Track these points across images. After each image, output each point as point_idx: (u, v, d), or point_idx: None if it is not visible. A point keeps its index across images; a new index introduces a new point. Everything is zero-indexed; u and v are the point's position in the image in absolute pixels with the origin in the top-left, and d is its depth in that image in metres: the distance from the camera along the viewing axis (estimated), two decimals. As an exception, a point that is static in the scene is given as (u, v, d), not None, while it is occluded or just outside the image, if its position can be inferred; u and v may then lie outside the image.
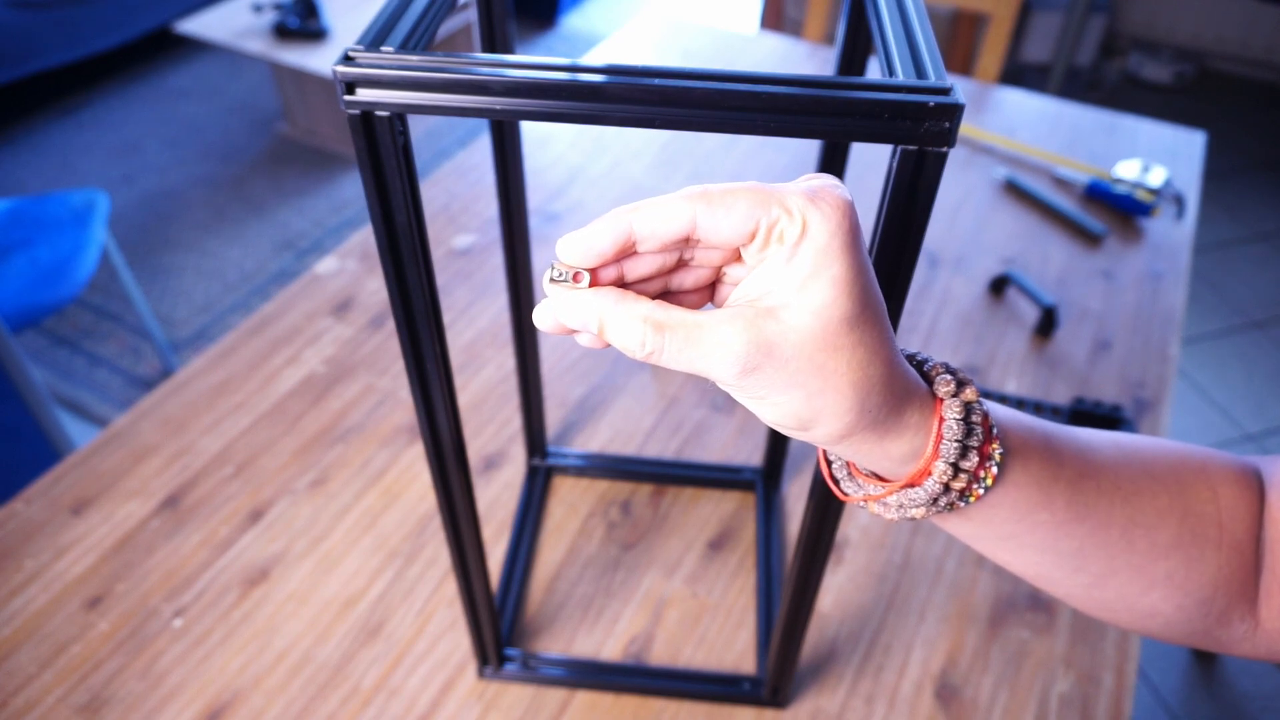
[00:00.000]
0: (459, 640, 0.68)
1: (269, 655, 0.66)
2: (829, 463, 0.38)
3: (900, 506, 0.35)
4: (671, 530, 0.76)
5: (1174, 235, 1.10)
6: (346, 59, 0.32)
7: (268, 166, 2.67)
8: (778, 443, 0.76)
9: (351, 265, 1.01)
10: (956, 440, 0.33)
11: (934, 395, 0.33)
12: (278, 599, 0.70)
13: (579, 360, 0.91)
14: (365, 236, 1.05)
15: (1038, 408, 0.86)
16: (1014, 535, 0.37)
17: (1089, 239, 1.09)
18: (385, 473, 0.79)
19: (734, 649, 0.68)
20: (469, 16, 2.84)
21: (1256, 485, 0.39)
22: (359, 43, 0.33)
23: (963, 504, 0.35)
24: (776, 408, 0.31)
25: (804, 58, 1.43)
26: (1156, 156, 1.22)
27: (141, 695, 0.64)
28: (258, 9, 2.51)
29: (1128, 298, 1.01)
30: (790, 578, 0.53)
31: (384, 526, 0.75)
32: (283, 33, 2.41)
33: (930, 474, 0.33)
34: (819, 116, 0.30)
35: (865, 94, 0.30)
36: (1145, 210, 1.10)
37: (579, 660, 0.67)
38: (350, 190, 2.58)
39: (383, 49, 0.32)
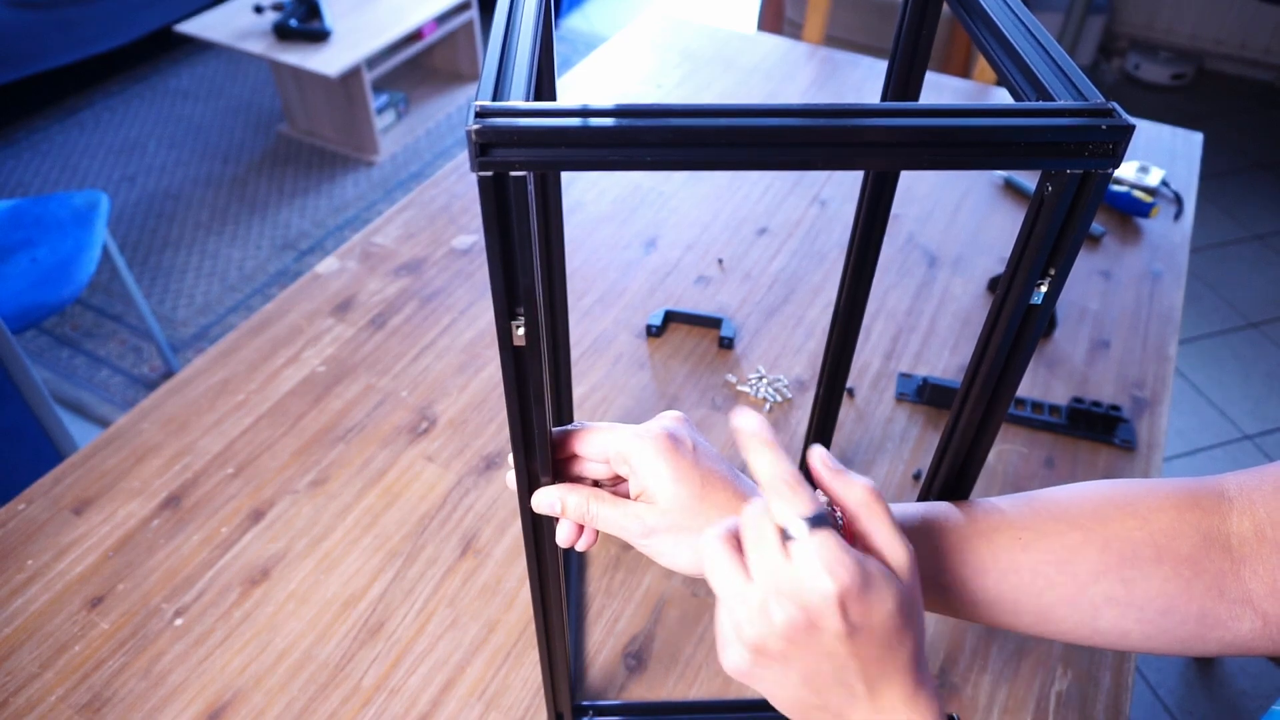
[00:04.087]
0: (459, 639, 0.68)
1: (270, 654, 0.67)
2: None
3: None
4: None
5: (1172, 235, 1.11)
6: (479, 115, 0.28)
7: (269, 167, 2.68)
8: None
9: (352, 265, 1.01)
10: None
11: None
12: (278, 598, 0.70)
13: (578, 360, 0.91)
14: (365, 236, 1.05)
15: (1036, 407, 0.86)
16: (948, 591, 0.43)
17: (1087, 239, 1.09)
18: (386, 472, 0.80)
19: (733, 648, 0.68)
20: (470, 15, 2.84)
21: (1210, 505, 0.41)
22: (479, 97, 0.29)
23: None
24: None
25: (804, 58, 1.43)
26: (1155, 157, 1.23)
27: (142, 694, 0.64)
28: (259, 10, 2.51)
29: (1126, 297, 1.01)
30: None
31: (384, 526, 0.75)
32: (284, 33, 2.41)
33: None
34: (991, 148, 0.30)
35: (1037, 121, 0.30)
36: (1143, 210, 1.10)
37: (653, 703, 0.64)
38: (350, 191, 2.58)
39: (510, 102, 0.29)
